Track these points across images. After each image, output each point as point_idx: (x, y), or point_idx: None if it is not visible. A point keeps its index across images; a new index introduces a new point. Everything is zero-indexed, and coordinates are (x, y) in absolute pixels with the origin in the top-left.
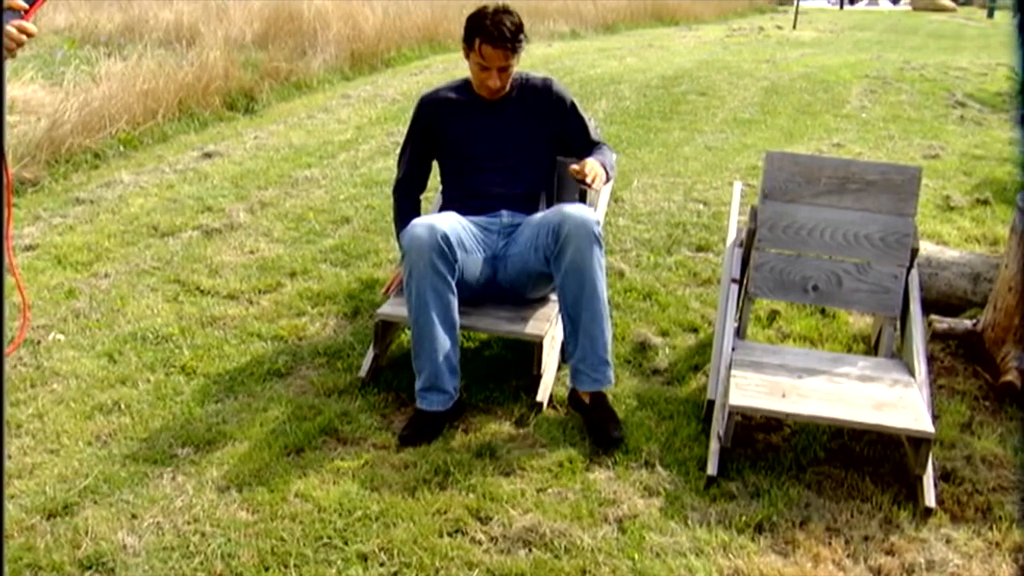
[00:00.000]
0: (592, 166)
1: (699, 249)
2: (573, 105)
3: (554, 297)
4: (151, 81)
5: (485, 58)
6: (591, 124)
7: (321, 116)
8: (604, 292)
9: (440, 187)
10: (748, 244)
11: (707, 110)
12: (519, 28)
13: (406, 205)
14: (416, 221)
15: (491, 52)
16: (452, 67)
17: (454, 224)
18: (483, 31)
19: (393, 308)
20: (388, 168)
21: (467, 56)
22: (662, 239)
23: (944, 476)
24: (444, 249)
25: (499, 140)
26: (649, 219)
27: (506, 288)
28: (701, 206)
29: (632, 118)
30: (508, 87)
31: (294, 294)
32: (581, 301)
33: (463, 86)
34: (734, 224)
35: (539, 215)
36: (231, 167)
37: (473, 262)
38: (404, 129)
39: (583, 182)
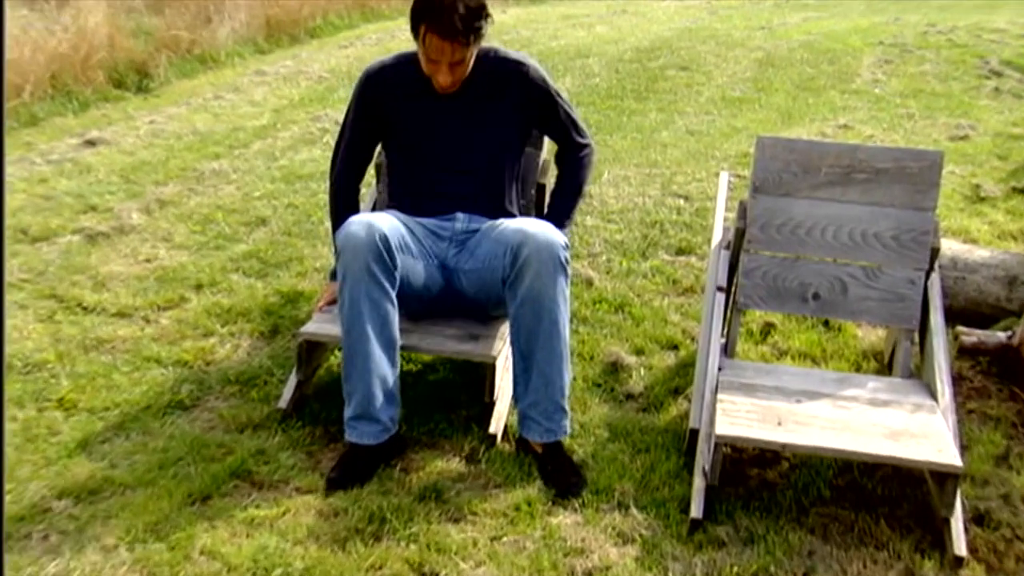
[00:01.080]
0: None
1: (679, 252)
2: (556, 96)
3: None
4: (14, 50)
5: (432, 50)
6: (577, 117)
7: (231, 97)
8: (566, 328)
9: (377, 181)
10: (736, 246)
11: (689, 88)
12: (477, 13)
13: (345, 199)
14: (353, 219)
15: (439, 44)
16: (388, 38)
17: (396, 224)
18: (430, 17)
19: (320, 326)
20: (313, 160)
21: (415, 40)
22: (636, 241)
23: (976, 519)
24: (382, 252)
25: (459, 129)
26: (621, 217)
27: (463, 302)
28: (682, 201)
29: (602, 98)
30: (468, 72)
31: (200, 310)
32: (537, 337)
33: (417, 60)
34: (720, 223)
35: (499, 225)
36: (120, 158)
37: (420, 270)
38: (332, 113)
39: None
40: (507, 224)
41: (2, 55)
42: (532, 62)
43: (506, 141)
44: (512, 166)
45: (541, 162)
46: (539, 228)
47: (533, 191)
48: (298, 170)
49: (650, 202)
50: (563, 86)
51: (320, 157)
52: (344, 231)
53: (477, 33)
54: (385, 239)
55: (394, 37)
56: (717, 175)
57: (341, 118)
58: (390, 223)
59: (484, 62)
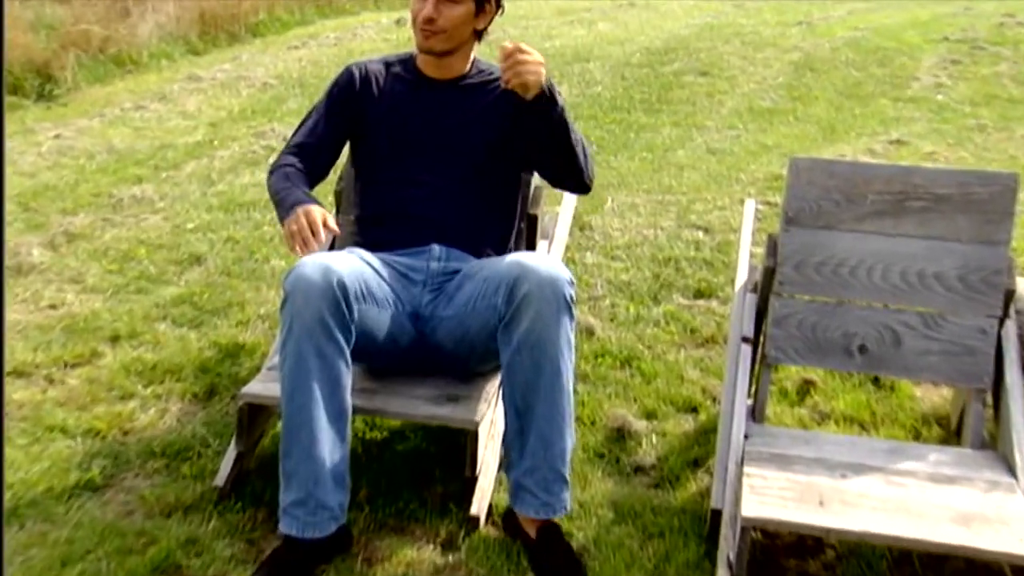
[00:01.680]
0: (527, 51)
1: (698, 295)
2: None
3: None
4: None
5: None
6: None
7: (156, 107)
8: (570, 380)
9: (337, 211)
10: (766, 288)
11: (711, 97)
12: None
13: (292, 172)
14: (305, 259)
15: None
16: (349, 37)
17: (358, 267)
18: None
19: (266, 385)
20: (257, 184)
21: None
22: (646, 282)
23: None
24: (339, 301)
25: (444, 138)
26: (628, 254)
27: (439, 356)
28: (700, 234)
29: (605, 111)
30: (453, 33)
31: (117, 368)
32: (537, 389)
33: (406, 60)
34: (746, 260)
35: (487, 264)
36: (18, 181)
37: (386, 319)
38: (280, 128)
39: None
40: (497, 259)
41: (2, 55)
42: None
43: (498, 158)
44: (503, 191)
45: (532, 189)
46: (540, 261)
47: (523, 224)
48: (239, 197)
49: (663, 235)
50: (558, 95)
51: (265, 179)
52: (295, 272)
53: None
54: (343, 286)
55: (357, 36)
56: (742, 203)
57: (290, 133)
58: (350, 266)
59: (486, 71)
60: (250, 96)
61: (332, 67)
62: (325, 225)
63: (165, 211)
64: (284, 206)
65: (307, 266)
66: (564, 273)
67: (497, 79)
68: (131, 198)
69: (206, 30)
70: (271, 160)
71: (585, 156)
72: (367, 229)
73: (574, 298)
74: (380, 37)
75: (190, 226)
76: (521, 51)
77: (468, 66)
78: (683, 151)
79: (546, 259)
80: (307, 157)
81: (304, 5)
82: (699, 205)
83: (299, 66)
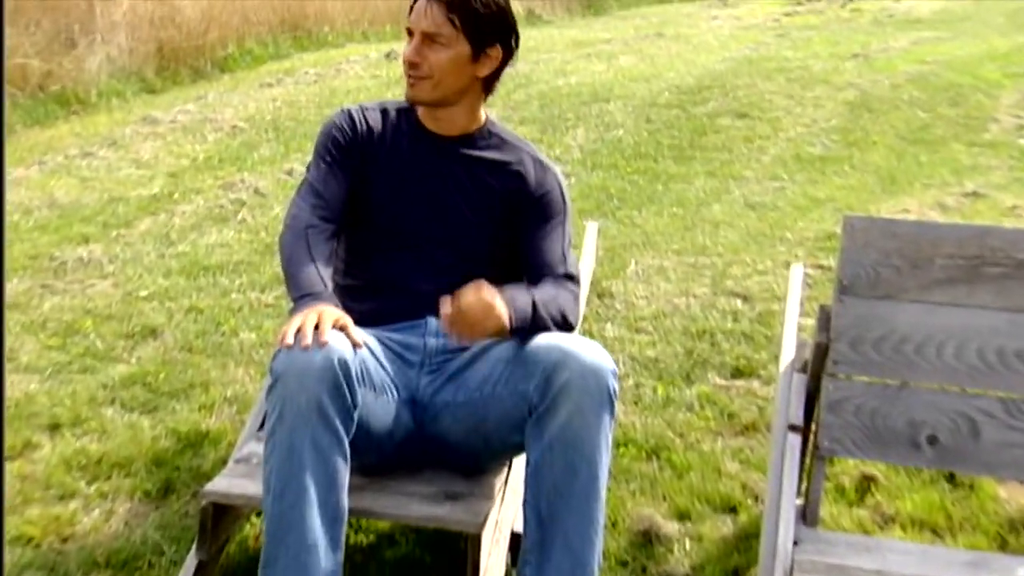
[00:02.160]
0: (468, 301)
1: (736, 375)
2: (564, 210)
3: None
4: None
5: (411, 12)
6: (567, 247)
7: (106, 154)
8: (604, 486)
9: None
10: (817, 367)
11: (750, 143)
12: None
13: (312, 236)
14: (288, 342)
15: (413, 7)
16: (331, 74)
17: (351, 351)
18: None
19: (234, 481)
20: (224, 245)
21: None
22: (676, 359)
23: None
24: (341, 383)
25: (443, 204)
26: (655, 326)
27: (441, 451)
28: (739, 303)
29: (627, 159)
30: (442, 83)
31: (56, 462)
32: (568, 495)
33: (407, 110)
34: (793, 334)
35: (505, 342)
36: None
37: (381, 408)
38: (251, 179)
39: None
40: (519, 338)
41: (2, 55)
42: (557, 170)
43: (501, 226)
44: (503, 260)
45: None
46: (582, 347)
47: None
48: (203, 259)
49: (695, 304)
50: (571, 143)
51: (235, 241)
52: (287, 349)
53: (472, 17)
54: (345, 365)
55: (341, 73)
56: (788, 267)
57: (263, 185)
58: (348, 347)
59: (498, 136)
60: (216, 142)
61: (312, 108)
62: (343, 330)
63: (115, 276)
64: (297, 287)
65: (301, 342)
66: (609, 362)
67: (516, 150)
68: (76, 261)
69: (165, 65)
70: (243, 223)
71: (576, 316)
72: (353, 300)
73: (617, 392)
74: (368, 73)
75: (144, 293)
76: (460, 310)
77: (477, 124)
78: (718, 205)
79: (589, 344)
80: (328, 210)
81: (279, 36)
82: (737, 269)
83: (273, 107)
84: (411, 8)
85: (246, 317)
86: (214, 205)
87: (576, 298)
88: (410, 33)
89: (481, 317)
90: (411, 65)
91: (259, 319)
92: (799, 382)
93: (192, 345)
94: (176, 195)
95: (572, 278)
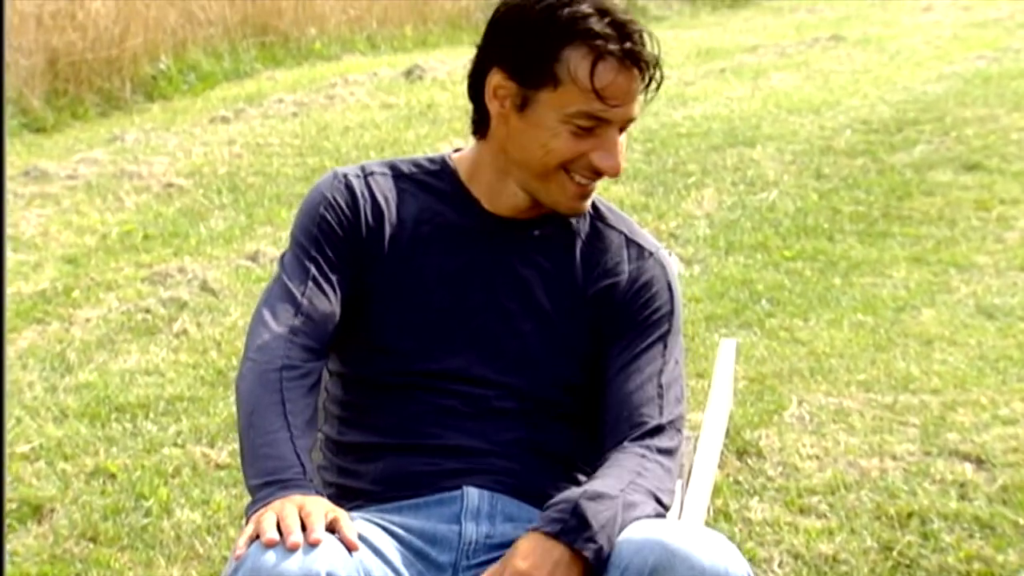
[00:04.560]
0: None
1: None
2: (670, 318)
3: None
4: None
5: (610, 91)
6: (671, 378)
7: None
8: None
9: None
10: None
11: (986, 211)
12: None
13: (287, 381)
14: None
15: (618, 81)
16: (320, 102)
17: (347, 557)
18: (587, 33)
19: None
20: (151, 370)
21: (521, 104)
22: (867, 558)
23: None
24: None
25: (501, 312)
26: (831, 503)
27: None
28: (969, 469)
29: (783, 235)
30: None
31: None
32: None
33: (438, 172)
34: None
35: None
36: None
37: None
38: (193, 265)
39: None
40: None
41: (2, 55)
42: (666, 253)
43: (581, 343)
44: (581, 400)
45: None
46: (694, 543)
47: None
48: (117, 395)
49: (896, 470)
50: (695, 211)
51: (168, 365)
52: (252, 558)
53: (656, 71)
54: None
55: (335, 100)
56: None
57: (214, 277)
58: (341, 551)
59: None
60: (140, 209)
61: (290, 157)
62: (332, 527)
63: None
64: (258, 468)
65: (272, 549)
66: (740, 567)
67: (600, 248)
68: None
69: (60, 89)
70: (184, 335)
71: (670, 494)
72: (351, 464)
73: None
74: (377, 101)
75: (24, 449)
76: None
77: None
78: (933, 311)
79: (709, 538)
80: (313, 337)
81: (239, 43)
82: (964, 414)
83: (230, 154)
84: (573, 77)
85: (186, 486)
86: (136, 308)
87: (669, 472)
88: (597, 119)
89: None
90: (612, 171)
91: (207, 489)
92: None
93: (98, 531)
94: (76, 293)
95: (664, 433)
